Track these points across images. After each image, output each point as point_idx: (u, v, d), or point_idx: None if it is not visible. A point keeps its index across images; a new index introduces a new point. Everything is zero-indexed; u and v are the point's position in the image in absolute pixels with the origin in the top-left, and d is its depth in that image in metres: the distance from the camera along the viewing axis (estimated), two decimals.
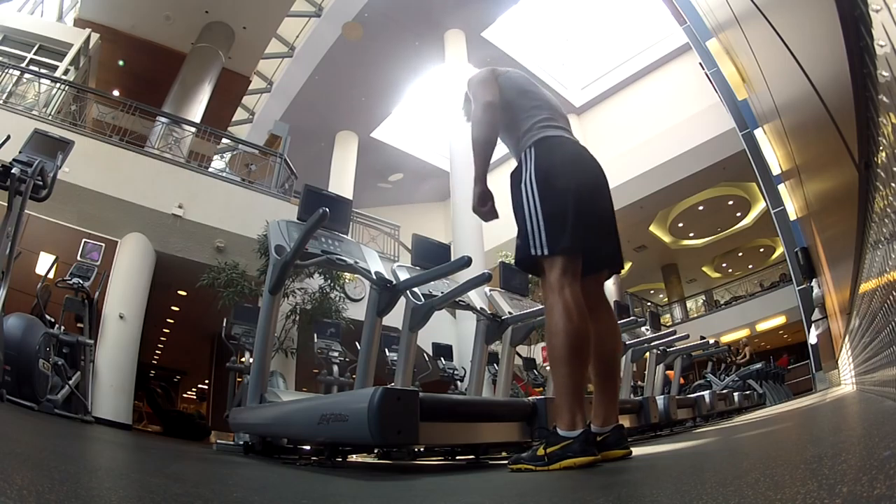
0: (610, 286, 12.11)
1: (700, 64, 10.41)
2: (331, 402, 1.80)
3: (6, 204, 2.77)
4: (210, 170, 8.14)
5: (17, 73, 7.54)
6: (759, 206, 14.05)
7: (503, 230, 10.82)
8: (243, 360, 5.02)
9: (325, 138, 14.24)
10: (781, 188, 8.01)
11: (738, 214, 15.48)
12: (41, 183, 2.96)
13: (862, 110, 1.21)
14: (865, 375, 2.76)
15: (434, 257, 2.91)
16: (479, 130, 1.66)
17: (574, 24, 14.83)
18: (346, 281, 7.27)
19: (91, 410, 4.26)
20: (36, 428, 2.06)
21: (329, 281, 6.78)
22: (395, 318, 2.62)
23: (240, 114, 14.21)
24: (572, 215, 1.50)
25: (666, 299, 18.09)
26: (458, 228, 10.17)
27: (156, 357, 12.78)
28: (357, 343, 3.28)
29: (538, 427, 2.05)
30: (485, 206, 1.67)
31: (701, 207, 14.71)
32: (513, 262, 3.17)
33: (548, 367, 1.68)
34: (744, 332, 14.06)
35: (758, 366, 8.37)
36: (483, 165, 1.66)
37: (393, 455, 2.58)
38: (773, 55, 2.31)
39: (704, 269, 18.78)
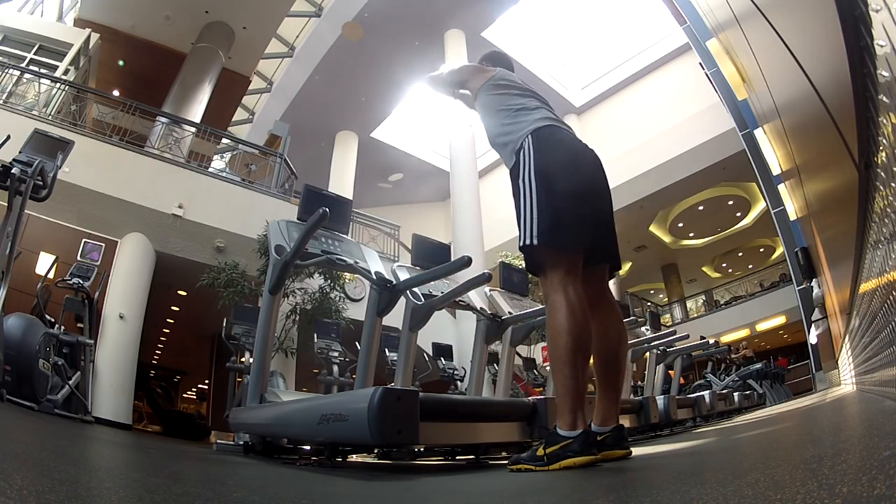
0: (610, 286, 12.17)
1: (700, 64, 10.40)
2: (331, 402, 1.80)
3: (6, 204, 2.77)
4: (210, 170, 8.13)
5: (17, 73, 7.54)
6: (759, 206, 14.05)
7: (503, 230, 10.91)
8: (243, 360, 5.02)
9: (325, 138, 14.24)
10: (781, 188, 8.01)
11: (738, 214, 15.48)
12: (41, 183, 2.96)
13: (862, 110, 1.21)
14: (865, 375, 2.76)
15: (434, 257, 2.91)
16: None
17: (574, 24, 14.83)
18: (346, 281, 7.26)
19: (91, 410, 4.25)
20: (36, 428, 2.06)
21: (329, 281, 6.77)
22: (395, 318, 2.62)
23: (240, 114, 14.21)
24: (572, 214, 1.47)
25: (666, 299, 18.08)
26: (458, 228, 10.16)
27: (156, 357, 12.78)
28: (357, 343, 3.28)
29: (538, 427, 2.05)
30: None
31: (701, 207, 14.71)
32: (512, 262, 3.17)
33: (548, 367, 1.64)
34: (744, 332, 14.06)
35: (758, 366, 8.37)
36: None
37: (393, 455, 2.58)
38: (773, 55, 2.31)
39: (704, 269, 18.79)
